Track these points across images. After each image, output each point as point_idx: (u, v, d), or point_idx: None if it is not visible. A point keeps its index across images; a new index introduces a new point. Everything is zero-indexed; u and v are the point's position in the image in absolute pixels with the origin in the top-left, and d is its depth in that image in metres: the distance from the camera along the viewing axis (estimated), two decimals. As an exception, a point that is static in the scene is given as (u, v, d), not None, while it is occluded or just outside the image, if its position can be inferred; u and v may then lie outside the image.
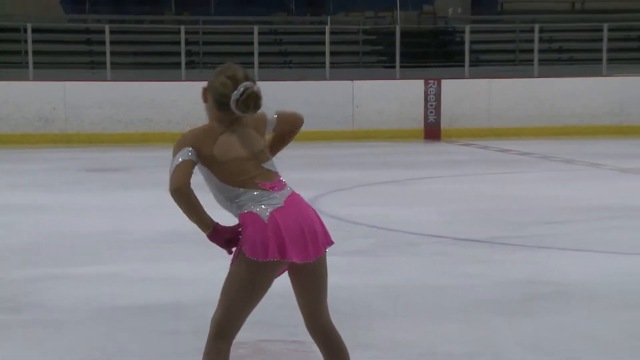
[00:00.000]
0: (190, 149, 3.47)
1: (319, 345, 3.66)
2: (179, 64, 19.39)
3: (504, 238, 8.06)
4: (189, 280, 6.47)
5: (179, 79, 18.96)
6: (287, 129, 3.83)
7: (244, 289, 3.49)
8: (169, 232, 8.09)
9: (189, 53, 20.49)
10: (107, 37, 19.09)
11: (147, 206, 9.88)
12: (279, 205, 3.49)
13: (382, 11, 24.46)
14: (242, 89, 3.51)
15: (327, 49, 19.85)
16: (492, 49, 23.42)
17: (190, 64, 20.58)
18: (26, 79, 18.69)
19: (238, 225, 3.51)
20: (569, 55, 23.17)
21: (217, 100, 3.55)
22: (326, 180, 12.11)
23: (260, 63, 19.64)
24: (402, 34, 20.61)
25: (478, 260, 7.14)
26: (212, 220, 3.48)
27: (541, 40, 21.17)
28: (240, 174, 3.49)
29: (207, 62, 21.60)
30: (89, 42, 21.97)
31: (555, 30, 23.53)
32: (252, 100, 3.54)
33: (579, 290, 6.15)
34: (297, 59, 22.14)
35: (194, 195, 3.45)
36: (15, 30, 20.74)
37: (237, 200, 3.50)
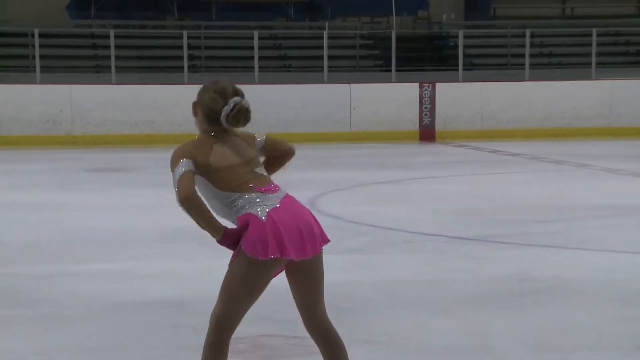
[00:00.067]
0: (188, 160, 3.48)
1: (316, 342, 3.67)
2: (182, 67, 19.39)
3: (497, 236, 8.09)
4: (191, 277, 6.48)
5: (181, 82, 18.95)
6: (277, 155, 3.78)
7: (243, 286, 3.50)
8: (172, 231, 8.11)
9: (191, 57, 20.49)
10: (112, 41, 19.09)
11: (150, 205, 9.89)
12: (275, 206, 3.50)
13: (379, 17, 24.46)
14: (232, 104, 3.53)
15: (325, 53, 19.84)
16: (485, 53, 23.43)
17: (192, 68, 20.58)
18: (33, 82, 18.69)
19: (242, 227, 3.51)
20: (559, 59, 23.18)
21: (208, 115, 3.56)
22: (325, 180, 12.12)
23: (260, 67, 19.64)
24: (398, 38, 20.62)
25: (471, 257, 7.17)
26: (221, 224, 3.49)
27: (532, 45, 21.18)
28: (235, 179, 3.50)
29: (208, 65, 21.60)
30: (94, 46, 21.97)
31: (546, 36, 23.54)
32: (242, 115, 3.55)
33: (569, 285, 6.18)
34: (296, 63, 22.14)
35: (202, 201, 3.47)
36: (23, 35, 20.73)
37: (234, 205, 3.50)
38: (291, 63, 22.25)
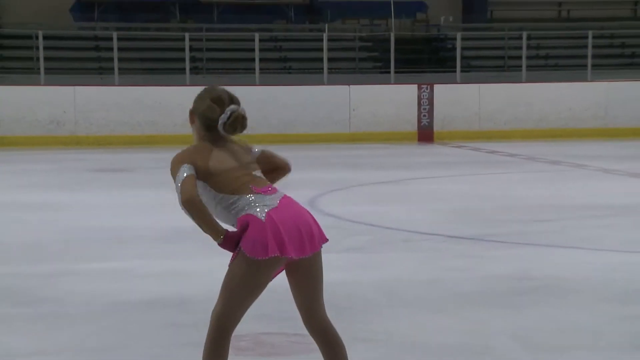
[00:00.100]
0: (189, 165, 3.48)
1: (316, 341, 3.66)
2: (184, 69, 19.38)
3: (494, 235, 8.06)
4: (192, 276, 6.46)
5: (183, 84, 18.94)
6: (272, 168, 3.73)
7: (244, 285, 3.49)
8: (173, 230, 8.08)
9: (193, 59, 20.47)
10: (115, 43, 19.08)
11: (152, 205, 9.86)
12: (274, 206, 3.49)
13: (378, 19, 24.45)
14: (229, 112, 3.55)
15: (325, 55, 19.83)
16: (482, 55, 23.42)
17: (194, 69, 20.56)
18: (38, 83, 18.67)
19: (242, 229, 3.49)
20: (555, 61, 23.17)
21: (205, 123, 3.57)
22: (324, 180, 12.10)
23: (261, 68, 19.62)
24: (397, 41, 20.60)
25: (469, 256, 7.14)
26: (222, 227, 3.49)
27: (529, 47, 21.17)
28: (234, 182, 3.50)
29: (210, 67, 21.59)
30: (97, 48, 21.95)
31: (542, 38, 23.53)
32: (239, 123, 3.57)
33: (565, 284, 6.14)
34: (297, 65, 22.12)
35: (204, 205, 3.46)
36: (28, 37, 20.70)
37: (234, 207, 3.50)
38: (291, 65, 22.22)
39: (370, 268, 6.75)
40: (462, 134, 19.19)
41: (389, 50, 20.31)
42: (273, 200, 3.51)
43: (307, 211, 3.59)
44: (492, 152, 16.54)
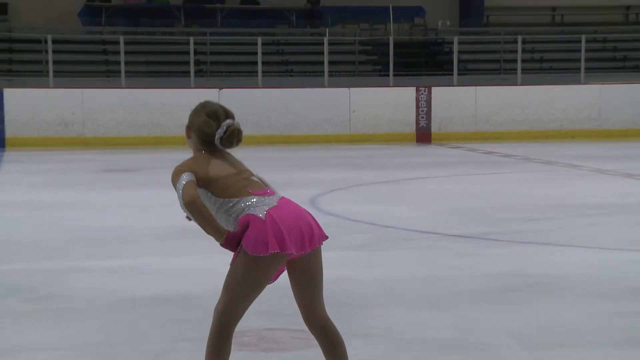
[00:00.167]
0: (189, 173, 3.49)
1: (316, 337, 3.66)
2: (188, 72, 19.38)
3: (490, 233, 8.04)
4: (196, 273, 6.44)
5: (188, 86, 18.94)
6: None
7: (245, 283, 3.48)
8: (177, 229, 8.04)
9: (197, 62, 20.46)
10: (122, 47, 19.08)
11: (157, 204, 9.84)
12: (274, 205, 3.49)
13: (377, 24, 24.42)
14: (225, 127, 3.55)
15: (326, 58, 19.82)
16: (479, 59, 23.40)
17: (198, 72, 20.55)
18: (47, 86, 18.67)
19: (243, 229, 3.49)
20: (549, 64, 23.15)
21: (202, 138, 3.58)
22: (325, 180, 12.08)
23: (263, 72, 19.62)
24: (395, 44, 20.59)
25: (466, 254, 7.12)
26: (224, 228, 3.49)
27: (524, 50, 21.15)
28: (233, 186, 3.51)
29: (214, 70, 21.58)
30: (104, 52, 21.93)
31: (537, 42, 23.51)
32: (235, 136, 3.57)
33: (560, 281, 6.12)
34: (298, 68, 22.10)
35: (205, 206, 3.47)
36: (37, 41, 20.70)
37: (234, 210, 3.50)
38: (293, 68, 22.21)
39: (369, 265, 6.74)
40: (459, 135, 19.18)
41: (388, 54, 20.30)
42: (272, 201, 3.51)
43: (307, 211, 3.59)
44: (489, 152, 16.52)
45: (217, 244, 3.53)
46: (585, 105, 19.80)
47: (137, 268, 6.67)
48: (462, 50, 21.69)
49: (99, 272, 6.53)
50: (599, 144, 17.87)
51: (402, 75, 20.70)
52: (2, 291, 5.96)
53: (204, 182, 3.49)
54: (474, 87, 19.70)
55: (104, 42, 22.24)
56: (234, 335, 3.58)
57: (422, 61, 23.49)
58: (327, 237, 3.60)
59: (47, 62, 19.17)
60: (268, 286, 3.57)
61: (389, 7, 21.90)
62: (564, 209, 9.44)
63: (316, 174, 12.84)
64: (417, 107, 19.26)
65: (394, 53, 20.19)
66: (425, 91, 19.32)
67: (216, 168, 3.52)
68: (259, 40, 19.64)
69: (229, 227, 3.53)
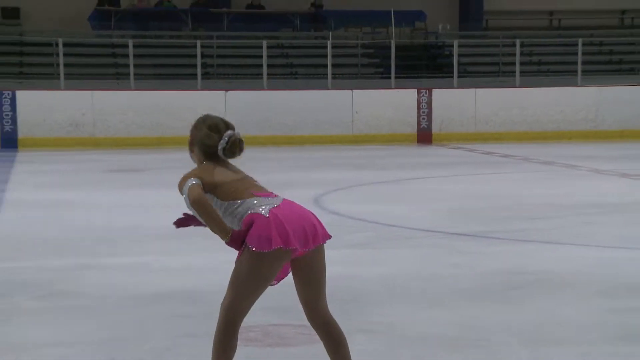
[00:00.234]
0: (196, 178, 3.49)
1: (319, 334, 3.65)
2: (195, 74, 19.36)
3: (490, 232, 7.99)
4: (201, 270, 6.42)
5: (195, 88, 18.92)
6: None
7: (250, 279, 3.47)
8: (182, 228, 8.00)
9: (204, 65, 20.43)
10: (131, 50, 19.06)
11: (165, 203, 9.78)
12: (276, 205, 3.49)
13: (379, 27, 24.36)
14: (227, 138, 3.55)
15: (329, 61, 19.79)
16: (478, 61, 23.35)
17: (205, 75, 20.52)
18: (58, 88, 18.66)
19: (247, 228, 3.48)
20: (547, 67, 23.09)
21: (204, 151, 3.59)
22: (328, 180, 12.04)
23: (268, 74, 19.59)
24: (397, 47, 20.55)
25: (467, 252, 7.07)
26: (229, 227, 3.48)
27: (522, 54, 21.09)
28: (237, 189, 3.51)
29: (220, 73, 21.54)
30: (114, 55, 21.92)
31: (535, 45, 23.45)
32: (237, 147, 3.58)
33: (559, 279, 6.08)
34: (302, 71, 22.07)
35: (211, 205, 3.46)
36: (48, 44, 20.68)
37: (238, 211, 3.49)
38: (297, 70, 22.17)
39: (371, 263, 6.69)
40: (459, 135, 19.14)
41: (389, 57, 20.26)
42: (275, 201, 3.51)
43: (310, 211, 3.58)
44: (488, 153, 16.47)
45: (222, 242, 3.51)
46: (583, 107, 19.74)
47: (143, 266, 6.63)
48: (462, 53, 21.64)
49: (107, 270, 6.50)
50: (596, 145, 17.82)
51: (403, 77, 20.65)
52: (11, 288, 5.93)
53: (209, 187, 3.49)
54: (473, 89, 19.66)
55: (113, 46, 22.22)
56: (240, 331, 3.56)
57: (423, 64, 23.44)
58: (330, 237, 3.58)
59: (58, 64, 19.14)
60: (269, 285, 3.53)
61: (390, 11, 21.85)
62: (562, 208, 9.39)
63: (319, 174, 12.79)
64: (418, 108, 19.21)
65: (396, 56, 20.15)
66: (426, 93, 19.28)
67: (221, 175, 3.52)
68: (264, 43, 19.61)
69: (234, 227, 3.52)
